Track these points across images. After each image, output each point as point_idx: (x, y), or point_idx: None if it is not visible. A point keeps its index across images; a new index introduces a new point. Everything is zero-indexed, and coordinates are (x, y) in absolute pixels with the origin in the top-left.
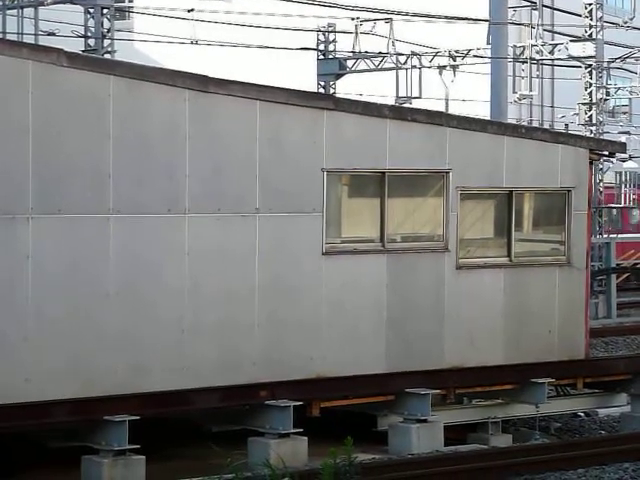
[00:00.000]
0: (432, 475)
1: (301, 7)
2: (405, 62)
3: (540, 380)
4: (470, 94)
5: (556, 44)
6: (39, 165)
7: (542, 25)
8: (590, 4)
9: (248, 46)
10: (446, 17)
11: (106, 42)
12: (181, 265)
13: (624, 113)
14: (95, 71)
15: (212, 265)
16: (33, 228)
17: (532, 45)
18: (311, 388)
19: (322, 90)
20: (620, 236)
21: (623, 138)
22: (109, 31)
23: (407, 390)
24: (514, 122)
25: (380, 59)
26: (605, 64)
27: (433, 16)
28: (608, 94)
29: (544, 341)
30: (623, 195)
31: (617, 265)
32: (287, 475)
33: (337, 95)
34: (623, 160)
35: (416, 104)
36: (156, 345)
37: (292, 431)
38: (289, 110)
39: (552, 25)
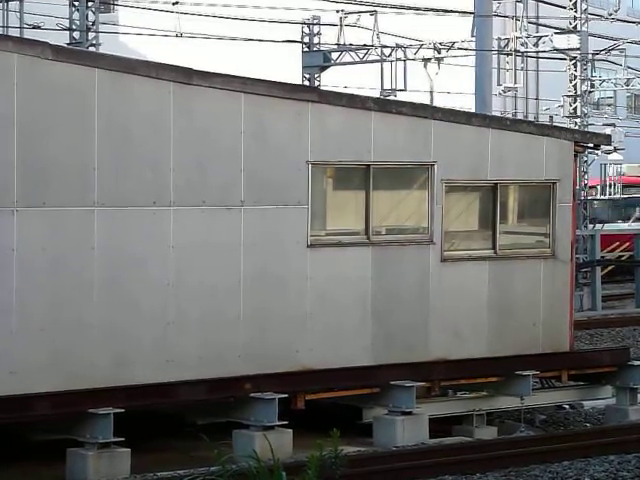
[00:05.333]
0: (417, 467)
1: None
2: (390, 54)
3: (525, 372)
4: (455, 86)
5: (541, 36)
6: (24, 158)
7: (527, 17)
8: None
9: (233, 38)
10: (431, 9)
11: (91, 35)
12: (166, 258)
13: (609, 105)
14: (80, 64)
15: (197, 258)
16: (18, 221)
17: (517, 37)
18: (296, 380)
19: (307, 82)
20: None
21: (608, 130)
22: (94, 24)
23: (392, 382)
24: (499, 114)
25: (365, 51)
26: (590, 56)
27: (418, 8)
28: (593, 86)
29: (529, 333)
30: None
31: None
32: (281, 468)
33: (322, 88)
34: (608, 152)
35: (401, 97)
36: (141, 338)
37: (277, 423)
38: (274, 102)
39: (537, 17)
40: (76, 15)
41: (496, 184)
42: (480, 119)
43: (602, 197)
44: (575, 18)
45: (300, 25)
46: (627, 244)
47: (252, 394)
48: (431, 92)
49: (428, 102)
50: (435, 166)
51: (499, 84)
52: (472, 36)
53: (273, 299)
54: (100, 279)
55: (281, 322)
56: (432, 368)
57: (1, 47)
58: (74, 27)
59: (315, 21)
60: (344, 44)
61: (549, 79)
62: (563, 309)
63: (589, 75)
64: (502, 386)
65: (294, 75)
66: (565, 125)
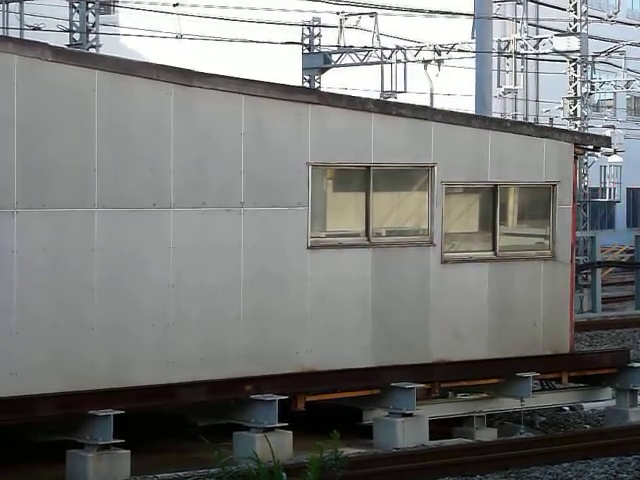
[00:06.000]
0: (417, 469)
1: (287, 1)
2: (390, 56)
3: (525, 374)
4: (455, 88)
5: (541, 38)
6: (24, 160)
7: (527, 19)
8: None
9: (231, 40)
10: (431, 11)
11: (91, 36)
12: (166, 259)
13: (609, 107)
14: (80, 65)
15: (197, 259)
16: (18, 223)
17: (517, 39)
18: (296, 382)
19: (307, 84)
20: None
21: (608, 132)
22: (94, 25)
23: (392, 384)
24: (499, 116)
25: (365, 53)
26: (590, 58)
27: (418, 10)
28: (593, 88)
29: (529, 335)
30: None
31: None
32: (281, 469)
33: (322, 89)
34: (608, 154)
35: (401, 98)
36: (141, 339)
37: (277, 425)
38: (274, 104)
39: (537, 19)
40: (76, 16)
41: (496, 186)
42: (480, 121)
43: None
44: (575, 20)
45: (300, 27)
46: None
47: (252, 396)
48: (431, 94)
49: (428, 104)
50: (435, 168)
51: (499, 86)
52: (472, 38)
53: (273, 300)
54: (100, 280)
55: (281, 323)
56: (432, 370)
57: (1, 48)
58: (74, 28)
59: (315, 23)
60: (344, 46)
61: (549, 81)
62: (563, 311)
63: (589, 77)
64: (502, 388)
65: (294, 77)
66: (565, 127)
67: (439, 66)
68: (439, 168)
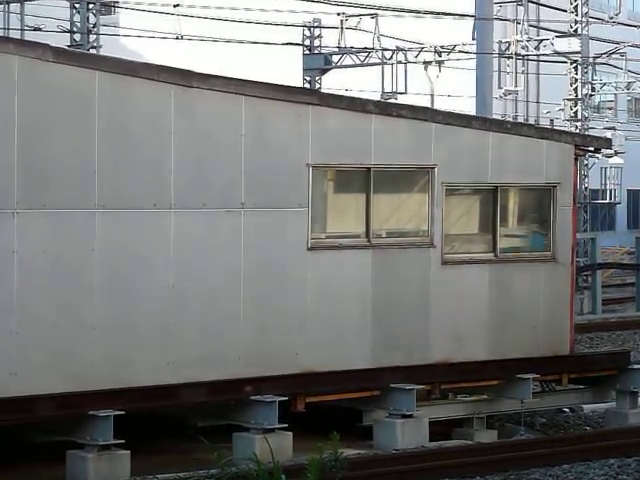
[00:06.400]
0: (417, 470)
1: (287, 2)
2: (390, 57)
3: (525, 376)
4: (455, 89)
5: (541, 40)
6: (24, 160)
7: (527, 21)
8: None
9: (231, 41)
10: (432, 12)
11: (92, 37)
12: (166, 260)
13: (609, 109)
14: (81, 66)
15: (197, 260)
16: (18, 223)
17: (517, 41)
18: (296, 383)
19: (308, 85)
20: None
21: (608, 134)
22: (95, 26)
23: (392, 385)
24: (499, 118)
25: (366, 54)
26: (590, 60)
27: (418, 11)
28: (593, 90)
29: (529, 336)
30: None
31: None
32: (281, 470)
33: (322, 90)
34: (608, 156)
35: (401, 99)
36: (141, 340)
37: (277, 426)
38: (274, 105)
39: (537, 21)
40: (77, 17)
41: (496, 187)
42: (481, 122)
43: None
44: (576, 21)
45: (301, 28)
46: None
47: (252, 396)
48: (432, 95)
49: (429, 105)
50: (435, 169)
51: (500, 87)
52: (473, 39)
53: (273, 301)
54: (101, 280)
55: (281, 324)
56: (432, 371)
57: (2, 49)
58: (75, 29)
59: (316, 24)
60: (345, 47)
61: (550, 82)
62: (563, 312)
63: (590, 78)
64: (502, 389)
65: (295, 78)
66: (566, 128)
67: (439, 67)
68: (439, 169)
